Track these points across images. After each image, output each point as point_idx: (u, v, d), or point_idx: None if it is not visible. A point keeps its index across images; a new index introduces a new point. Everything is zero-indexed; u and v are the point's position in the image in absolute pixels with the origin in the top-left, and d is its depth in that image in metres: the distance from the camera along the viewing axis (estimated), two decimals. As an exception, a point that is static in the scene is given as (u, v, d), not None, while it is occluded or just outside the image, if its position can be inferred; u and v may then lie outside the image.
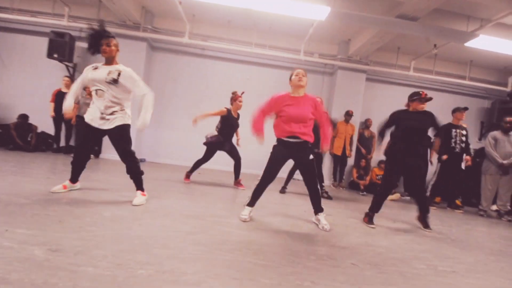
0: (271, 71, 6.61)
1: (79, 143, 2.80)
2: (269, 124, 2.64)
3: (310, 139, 2.52)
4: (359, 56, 6.23)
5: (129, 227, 1.91)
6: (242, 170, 4.23)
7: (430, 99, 2.89)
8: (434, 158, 4.63)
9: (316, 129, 2.61)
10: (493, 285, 1.74)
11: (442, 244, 2.50)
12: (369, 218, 2.92)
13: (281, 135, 2.52)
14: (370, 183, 5.61)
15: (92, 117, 2.54)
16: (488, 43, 4.75)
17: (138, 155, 2.90)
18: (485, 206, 4.49)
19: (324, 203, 2.67)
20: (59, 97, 5.42)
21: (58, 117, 5.40)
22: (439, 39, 5.28)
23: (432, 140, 4.13)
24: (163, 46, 6.39)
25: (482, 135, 7.02)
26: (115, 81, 2.47)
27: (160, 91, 6.41)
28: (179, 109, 6.48)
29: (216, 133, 4.02)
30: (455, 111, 4.60)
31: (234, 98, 4.04)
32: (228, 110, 3.99)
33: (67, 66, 5.91)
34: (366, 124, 6.41)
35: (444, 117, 5.34)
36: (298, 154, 2.53)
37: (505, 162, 4.26)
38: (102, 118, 2.51)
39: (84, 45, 5.89)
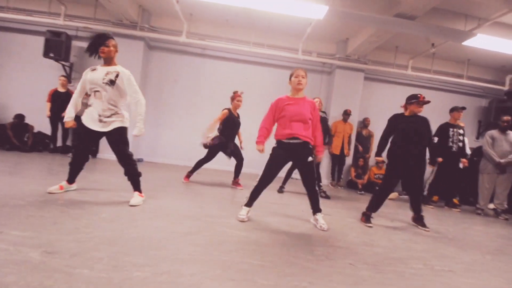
0: (269, 70, 6.60)
1: (76, 144, 2.79)
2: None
3: (310, 140, 2.52)
4: (357, 55, 6.23)
5: (126, 228, 1.90)
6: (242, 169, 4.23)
7: (428, 102, 2.90)
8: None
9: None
10: (490, 284, 1.75)
11: (439, 243, 2.51)
12: (366, 217, 2.93)
13: (281, 137, 2.51)
14: (368, 182, 5.62)
15: (89, 119, 2.52)
16: (486, 42, 4.76)
17: (136, 155, 2.89)
18: (482, 205, 4.51)
19: (322, 202, 2.67)
20: (55, 96, 5.40)
21: (55, 117, 5.37)
22: (437, 38, 5.28)
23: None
24: (160, 45, 6.36)
25: (479, 134, 7.05)
26: (111, 83, 2.46)
27: (157, 90, 6.40)
28: (176, 108, 6.45)
29: (217, 133, 4.02)
30: (453, 110, 4.61)
31: (233, 97, 4.04)
32: (229, 110, 3.98)
33: (63, 65, 5.87)
34: (364, 123, 6.40)
35: (441, 116, 5.41)
36: (297, 155, 2.52)
37: (502, 161, 4.28)
38: (100, 121, 2.49)
39: (81, 44, 5.98)
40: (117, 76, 2.49)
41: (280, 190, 4.25)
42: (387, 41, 5.57)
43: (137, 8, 5.76)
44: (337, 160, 5.93)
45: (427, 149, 3.06)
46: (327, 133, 4.83)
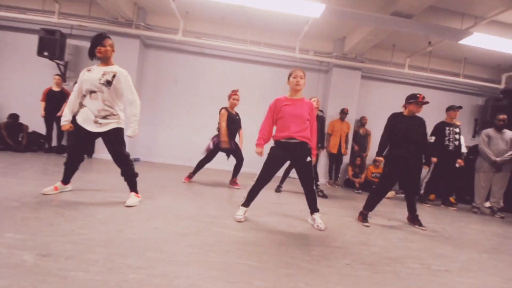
0: (266, 68, 6.58)
1: (72, 144, 2.76)
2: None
3: (308, 140, 2.51)
4: (354, 53, 6.23)
5: (121, 230, 1.88)
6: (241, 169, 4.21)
7: (427, 103, 2.91)
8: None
9: None
10: (487, 283, 1.76)
11: (436, 242, 2.52)
12: (363, 216, 2.93)
13: (279, 137, 2.51)
14: (365, 181, 5.64)
15: (84, 119, 2.48)
16: (482, 40, 4.77)
17: (132, 155, 2.87)
18: (478, 203, 4.55)
19: (319, 201, 2.66)
20: (50, 96, 5.35)
21: (49, 116, 5.31)
22: (433, 37, 5.30)
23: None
24: (156, 44, 6.31)
25: (475, 133, 7.09)
26: (108, 83, 2.43)
27: (153, 89, 6.36)
28: (173, 107, 6.41)
29: (216, 132, 4.00)
30: (449, 109, 4.63)
31: (230, 95, 4.03)
32: (226, 109, 3.98)
33: (58, 64, 5.81)
34: (361, 122, 6.42)
35: (438, 115, 5.43)
36: (295, 155, 2.52)
37: (498, 159, 4.30)
38: (95, 122, 2.46)
39: (75, 42, 5.91)
40: (114, 76, 2.46)
41: (278, 189, 4.25)
42: (384, 39, 5.58)
43: (132, 6, 5.70)
44: (335, 159, 5.93)
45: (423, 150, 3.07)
46: (323, 133, 4.83)
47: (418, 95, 2.92)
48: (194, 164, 4.18)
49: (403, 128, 2.93)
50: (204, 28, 6.19)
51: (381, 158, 3.08)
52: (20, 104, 5.81)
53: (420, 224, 3.00)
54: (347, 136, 5.96)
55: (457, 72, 6.72)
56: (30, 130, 5.55)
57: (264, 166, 2.51)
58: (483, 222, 3.84)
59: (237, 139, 4.16)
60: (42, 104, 5.32)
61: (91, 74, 2.45)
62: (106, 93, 2.44)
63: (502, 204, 4.44)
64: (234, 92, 4.02)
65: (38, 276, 1.21)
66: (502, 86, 6.54)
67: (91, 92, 2.45)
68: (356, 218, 3.02)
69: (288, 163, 2.78)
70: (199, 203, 2.93)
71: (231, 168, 4.20)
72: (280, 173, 3.13)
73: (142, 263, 1.44)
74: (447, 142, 4.50)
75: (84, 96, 2.53)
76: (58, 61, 5.74)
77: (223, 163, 4.57)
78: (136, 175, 2.65)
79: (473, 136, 7.10)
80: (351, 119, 6.27)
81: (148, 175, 4.26)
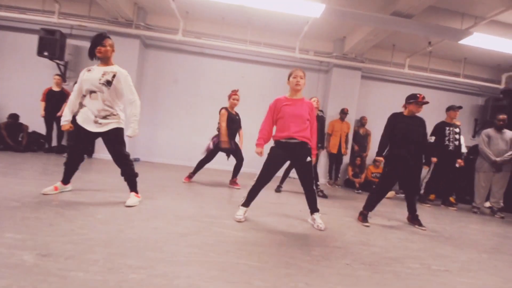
0: (266, 68, 6.58)
1: (72, 144, 2.76)
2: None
3: (308, 140, 2.51)
4: (354, 53, 6.22)
5: (121, 230, 1.88)
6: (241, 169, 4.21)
7: (427, 103, 2.90)
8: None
9: None
10: (487, 283, 1.76)
11: (436, 242, 2.52)
12: (363, 216, 2.93)
13: (280, 137, 2.51)
14: (365, 181, 5.64)
15: (84, 119, 2.48)
16: (482, 40, 4.77)
17: (132, 154, 2.87)
18: (478, 203, 4.55)
19: (319, 201, 2.66)
20: (50, 96, 5.35)
21: (49, 116, 5.31)
22: (433, 37, 5.29)
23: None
24: (156, 44, 6.31)
25: (475, 133, 7.09)
26: (108, 83, 2.43)
27: (153, 89, 6.36)
28: (173, 107, 6.41)
29: (217, 132, 4.00)
30: (449, 109, 4.63)
31: (230, 95, 4.03)
32: (226, 109, 3.98)
33: (58, 64, 5.81)
34: (361, 122, 6.42)
35: (438, 115, 5.43)
36: (295, 155, 2.52)
37: (498, 159, 4.30)
38: (95, 122, 2.46)
39: (75, 42, 5.91)
40: (114, 76, 2.46)
41: (278, 189, 4.25)
42: (384, 39, 5.58)
43: (132, 6, 5.70)
44: (335, 159, 5.93)
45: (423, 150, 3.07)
46: (323, 133, 4.83)
47: (418, 95, 2.92)
48: (194, 164, 4.19)
49: (403, 128, 2.93)
50: (204, 28, 6.19)
51: (381, 158, 3.08)
52: (20, 104, 5.81)
53: (420, 224, 3.00)
54: (347, 136, 5.96)
55: (457, 72, 6.72)
56: (30, 130, 5.55)
57: (264, 166, 2.51)
58: (483, 222, 3.84)
59: (237, 139, 4.16)
60: (42, 104, 5.32)
61: (91, 74, 2.45)
62: (106, 93, 2.44)
63: (502, 204, 4.44)
64: (234, 92, 4.02)
65: (38, 276, 1.21)
66: (502, 86, 6.53)
67: (91, 92, 2.45)
68: (356, 218, 3.02)
69: (288, 163, 2.78)
70: (199, 203, 2.93)
71: (231, 168, 4.20)
72: (280, 173, 3.13)
73: (142, 263, 1.44)
74: (447, 142, 4.50)
75: (84, 96, 2.53)
76: (58, 61, 5.74)
77: (223, 163, 4.57)
78: (136, 175, 2.65)
79: (473, 136, 7.09)
80: (351, 119, 6.27)
81: (148, 175, 4.26)
